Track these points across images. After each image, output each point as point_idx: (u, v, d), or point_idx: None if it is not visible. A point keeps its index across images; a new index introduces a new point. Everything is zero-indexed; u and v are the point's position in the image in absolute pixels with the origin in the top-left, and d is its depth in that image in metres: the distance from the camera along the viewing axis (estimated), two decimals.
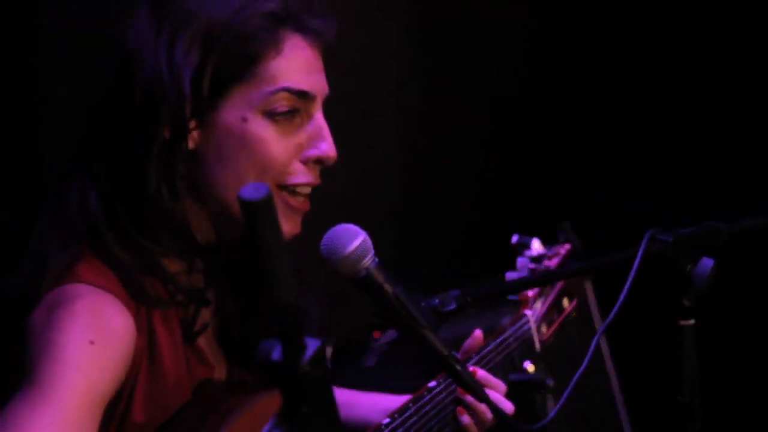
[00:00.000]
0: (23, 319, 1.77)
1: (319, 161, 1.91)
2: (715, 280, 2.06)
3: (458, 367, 1.82)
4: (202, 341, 1.93)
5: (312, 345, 1.13)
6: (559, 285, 2.36)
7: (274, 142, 1.86)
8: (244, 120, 1.85)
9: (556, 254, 2.38)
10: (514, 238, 2.32)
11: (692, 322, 2.08)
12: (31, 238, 1.87)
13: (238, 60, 1.83)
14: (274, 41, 1.85)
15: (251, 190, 1.07)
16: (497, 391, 2.10)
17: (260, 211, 1.08)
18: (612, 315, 2.01)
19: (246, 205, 1.07)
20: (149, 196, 1.82)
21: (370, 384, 3.02)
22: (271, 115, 1.86)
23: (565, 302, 2.42)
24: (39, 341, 1.72)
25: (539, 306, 2.32)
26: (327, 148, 1.91)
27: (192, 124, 1.84)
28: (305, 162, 1.90)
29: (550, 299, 2.35)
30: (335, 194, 3.23)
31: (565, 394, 2.07)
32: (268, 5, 1.86)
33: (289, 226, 1.92)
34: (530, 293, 2.28)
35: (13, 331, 1.77)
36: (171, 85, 1.81)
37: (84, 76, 2.08)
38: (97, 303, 1.77)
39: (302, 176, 1.90)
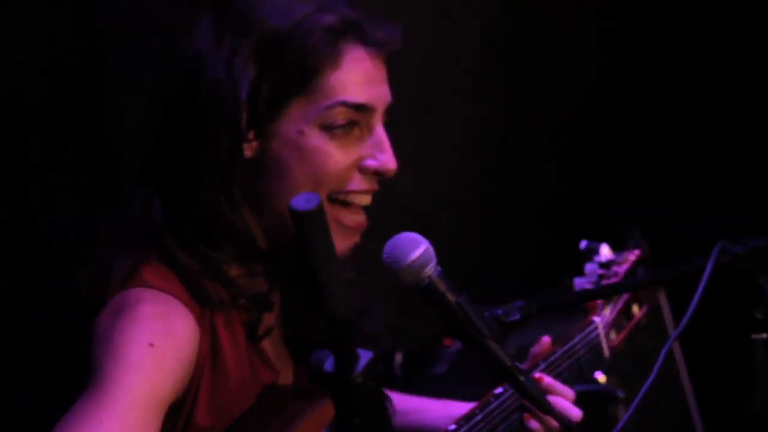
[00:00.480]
0: (90, 323, 1.79)
1: (377, 173, 1.90)
2: None
3: (521, 378, 1.79)
4: (267, 345, 1.93)
5: (364, 356, 1.12)
6: None
7: (331, 154, 1.86)
8: (301, 133, 1.85)
9: (625, 260, 2.35)
10: (583, 244, 2.29)
11: (765, 335, 2.05)
12: (96, 243, 1.89)
13: (297, 74, 1.83)
14: (333, 55, 1.84)
15: (302, 201, 1.07)
16: (565, 398, 2.08)
17: (311, 222, 1.08)
18: (681, 327, 1.98)
19: (296, 215, 1.07)
20: (208, 204, 1.83)
21: (441, 391, 3.01)
22: (328, 128, 1.86)
23: (635, 309, 2.39)
24: (103, 344, 1.75)
25: (608, 312, 2.29)
26: (386, 159, 1.89)
27: (250, 134, 1.85)
28: (363, 172, 1.89)
29: (619, 306, 2.32)
30: (407, 201, 3.25)
31: (634, 404, 2.05)
32: (327, 18, 1.85)
33: (341, 244, 1.88)
34: (599, 300, 2.25)
35: (79, 334, 1.79)
36: (229, 97, 1.82)
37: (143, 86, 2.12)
38: (161, 307, 1.79)
39: (358, 184, 1.89)
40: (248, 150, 1.86)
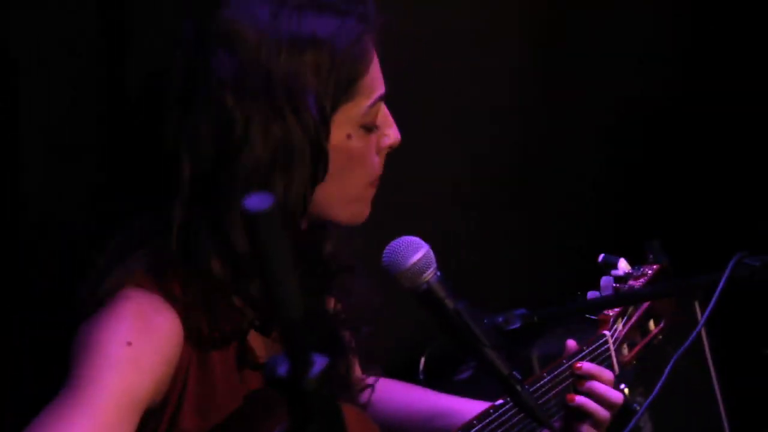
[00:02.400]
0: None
1: (390, 147, 1.91)
2: None
3: (518, 387, 1.76)
4: (256, 346, 1.90)
5: (319, 362, 1.10)
6: (644, 306, 2.27)
7: (368, 147, 1.87)
8: (349, 137, 1.85)
9: (643, 274, 2.29)
10: (601, 257, 2.25)
11: None
12: (105, 252, 1.87)
13: (344, 83, 1.82)
14: (368, 58, 1.84)
15: (256, 201, 1.05)
16: (604, 382, 2.07)
17: (265, 223, 1.05)
18: (690, 339, 1.94)
19: (250, 216, 1.04)
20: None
21: (463, 397, 2.99)
22: (368, 128, 1.86)
23: (651, 325, 2.32)
24: (81, 341, 1.74)
25: (620, 326, 2.23)
26: (395, 133, 1.90)
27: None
28: (379, 152, 1.90)
29: (633, 320, 2.27)
30: (448, 194, 3.23)
31: (636, 417, 2.01)
32: (360, 26, 1.83)
33: (363, 214, 1.93)
34: (610, 312, 2.20)
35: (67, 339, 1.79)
36: (314, 139, 1.81)
37: None
38: (143, 305, 1.77)
39: (379, 168, 1.91)
40: None
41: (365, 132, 1.86)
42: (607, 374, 2.09)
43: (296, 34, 1.80)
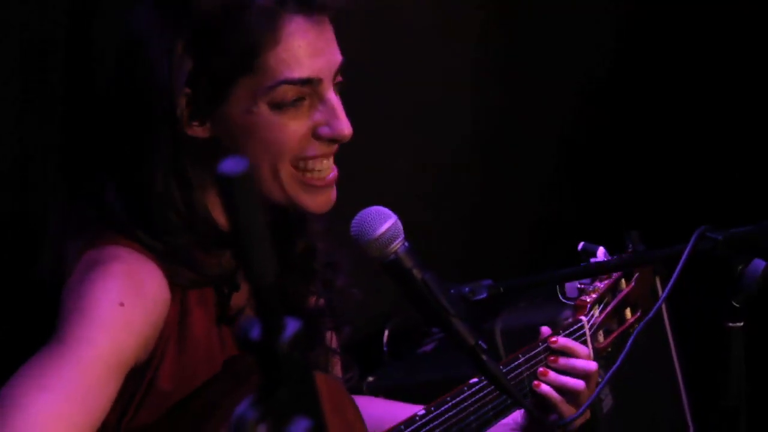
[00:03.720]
0: (59, 288, 1.78)
1: (332, 140, 1.88)
2: (766, 282, 2.00)
3: (483, 357, 1.78)
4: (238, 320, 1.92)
5: (291, 325, 1.10)
6: (621, 294, 2.30)
7: (284, 126, 1.84)
8: (250, 112, 1.83)
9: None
10: (580, 246, 2.27)
11: (741, 324, 2.02)
12: (49, 229, 1.88)
13: (237, 56, 1.81)
14: (271, 32, 1.81)
15: (230, 164, 1.05)
16: (580, 357, 2.10)
17: (238, 186, 1.05)
18: (652, 312, 1.97)
19: (223, 180, 1.05)
20: (158, 192, 1.82)
21: (424, 369, 3.01)
22: (278, 106, 1.84)
23: (628, 313, 2.34)
24: (73, 299, 1.75)
25: (596, 313, 2.26)
26: (340, 125, 1.87)
27: (200, 117, 1.84)
28: (319, 139, 1.88)
29: (610, 308, 2.29)
30: (409, 188, 3.24)
31: (596, 393, 2.03)
32: (271, 4, 1.81)
33: (317, 201, 1.90)
34: (587, 299, 2.22)
35: (49, 306, 1.78)
36: (167, 83, 1.81)
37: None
38: (135, 266, 1.78)
39: (314, 150, 1.87)
40: (203, 132, 1.85)
41: (276, 111, 1.84)
42: (583, 349, 2.11)
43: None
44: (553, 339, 2.10)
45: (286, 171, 1.86)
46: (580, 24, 3.65)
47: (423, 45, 3.28)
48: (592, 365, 2.10)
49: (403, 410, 2.12)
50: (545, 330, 2.15)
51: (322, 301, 2.05)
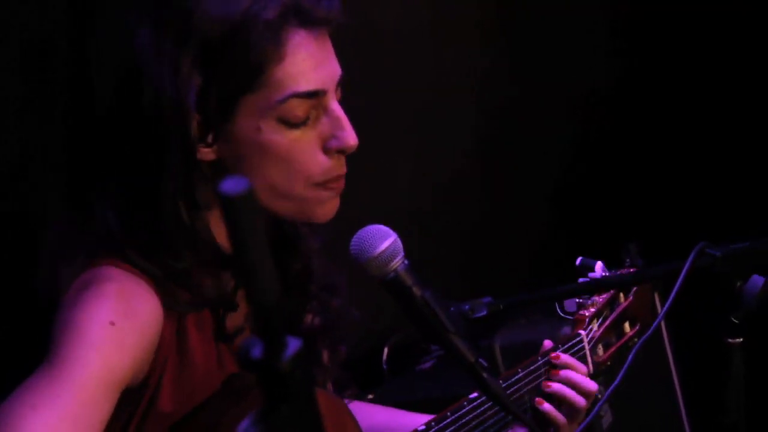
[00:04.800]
0: (53, 307, 1.79)
1: (340, 151, 1.89)
2: (766, 298, 2.00)
3: (484, 375, 1.78)
4: (240, 341, 1.92)
5: (293, 344, 1.11)
6: (619, 308, 2.31)
7: (293, 143, 1.84)
8: (258, 129, 1.83)
9: None
10: (578, 260, 2.27)
11: (740, 340, 2.02)
12: (47, 247, 1.88)
13: (242, 73, 1.81)
14: (275, 48, 1.81)
15: (232, 183, 1.06)
16: (580, 373, 2.11)
17: (241, 206, 1.06)
18: (652, 328, 1.97)
19: (226, 199, 1.05)
20: (166, 213, 1.82)
21: (423, 387, 3.01)
22: (285, 122, 1.84)
23: (627, 327, 2.35)
24: (64, 320, 1.75)
25: (595, 327, 2.26)
26: (347, 136, 1.87)
27: (208, 138, 1.83)
28: (328, 153, 1.88)
29: (608, 321, 2.30)
30: (409, 200, 3.24)
31: (599, 404, 2.04)
32: (265, 10, 1.81)
33: (325, 209, 1.90)
34: (586, 313, 2.23)
35: (43, 324, 1.79)
36: (175, 105, 1.80)
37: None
38: (127, 286, 1.78)
39: (329, 172, 1.88)
40: (210, 153, 1.85)
41: (285, 126, 1.84)
42: (583, 367, 2.12)
43: (185, 16, 1.80)
44: (555, 354, 2.10)
45: (300, 188, 1.86)
46: (581, 36, 3.66)
47: (422, 55, 3.28)
48: (592, 384, 2.11)
49: (407, 418, 2.13)
50: (547, 343, 2.16)
51: (317, 320, 2.05)
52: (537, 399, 2.08)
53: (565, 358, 2.11)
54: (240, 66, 1.81)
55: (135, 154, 1.84)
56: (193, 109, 1.80)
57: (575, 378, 2.10)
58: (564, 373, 2.10)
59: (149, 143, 1.82)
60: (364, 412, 2.18)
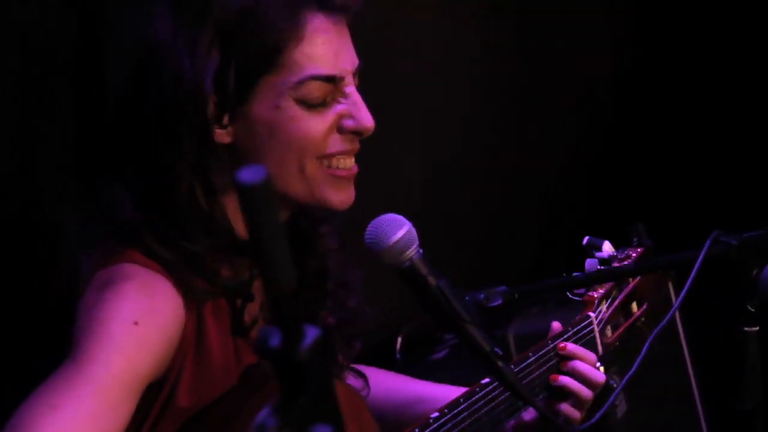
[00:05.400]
0: (75, 304, 1.78)
1: (357, 132, 1.89)
2: None
3: (500, 363, 1.78)
4: (256, 333, 1.91)
5: (311, 333, 1.11)
6: (627, 288, 2.30)
7: (309, 122, 1.84)
8: (277, 108, 1.83)
9: (628, 257, 2.31)
10: (585, 240, 2.27)
11: (756, 328, 2.02)
12: (68, 239, 1.88)
13: (261, 52, 1.81)
14: (294, 28, 1.81)
15: (249, 173, 1.06)
16: (587, 362, 2.09)
17: (258, 195, 1.06)
18: (667, 318, 1.96)
19: (243, 188, 1.05)
20: (182, 197, 1.82)
21: (438, 376, 3.00)
22: (303, 103, 1.84)
23: (634, 307, 2.35)
24: (86, 319, 1.74)
25: (604, 308, 2.26)
26: (363, 117, 1.87)
27: (224, 120, 1.83)
28: (342, 133, 1.88)
29: (617, 302, 2.29)
30: (406, 189, 3.25)
31: (614, 394, 2.03)
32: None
33: (341, 196, 1.89)
34: (595, 294, 2.22)
35: (65, 320, 1.78)
36: (193, 86, 1.80)
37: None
38: (148, 284, 1.77)
39: (340, 145, 1.87)
40: (226, 136, 1.84)
41: (303, 107, 1.84)
42: (590, 355, 2.11)
43: None
44: (562, 345, 2.09)
45: (312, 166, 1.86)
46: (588, 20, 3.65)
47: (426, 46, 3.28)
48: (600, 375, 2.10)
49: (420, 386, 2.19)
50: (556, 325, 2.15)
51: (333, 318, 2.05)
52: (551, 375, 2.07)
53: (572, 347, 2.09)
54: (258, 46, 1.81)
55: (150, 137, 1.83)
56: (210, 90, 1.80)
57: (582, 369, 2.08)
58: (572, 364, 2.09)
59: (165, 125, 1.82)
60: (379, 376, 2.19)
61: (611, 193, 3.68)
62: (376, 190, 2.69)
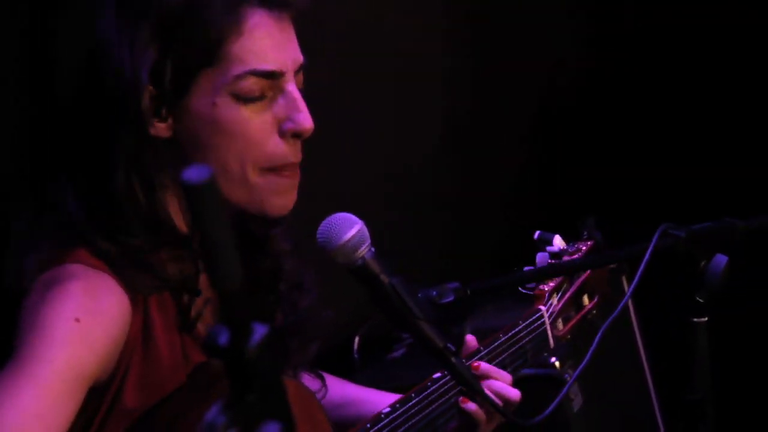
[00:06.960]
0: (19, 303, 1.78)
1: (296, 134, 1.88)
2: (729, 277, 2.02)
3: (453, 360, 1.79)
4: (201, 328, 1.92)
5: (259, 331, 1.11)
6: (578, 281, 2.32)
7: (247, 121, 1.84)
8: (214, 105, 1.83)
9: (578, 250, 2.34)
10: (536, 234, 2.29)
11: (705, 319, 2.04)
12: (12, 237, 1.88)
13: (200, 46, 1.81)
14: (234, 23, 1.82)
15: (194, 172, 1.06)
16: (502, 381, 2.05)
17: (204, 194, 1.07)
18: (618, 309, 1.98)
19: (189, 188, 1.06)
20: (120, 190, 1.82)
21: (395, 375, 3.02)
22: (240, 99, 1.84)
23: (585, 300, 2.37)
24: (29, 319, 1.74)
25: (555, 301, 2.28)
26: (302, 119, 1.86)
27: (162, 112, 1.83)
28: (283, 136, 1.87)
29: (567, 295, 2.31)
30: (379, 183, 3.25)
31: (566, 387, 2.05)
32: None
33: (281, 201, 1.89)
34: (546, 288, 2.24)
35: (10, 321, 1.78)
36: (131, 79, 1.80)
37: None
38: (93, 284, 1.77)
39: (283, 157, 1.87)
40: (165, 130, 1.84)
41: (240, 102, 1.83)
42: (504, 375, 2.06)
43: None
44: (476, 364, 2.04)
45: (254, 175, 1.85)
46: (549, 17, 3.68)
47: (393, 45, 3.29)
48: (514, 393, 2.04)
49: (377, 396, 2.17)
50: (470, 338, 2.09)
51: (288, 320, 2.05)
52: (461, 398, 2.00)
53: (485, 367, 2.05)
54: (197, 39, 1.81)
55: (90, 131, 1.84)
56: (145, 81, 1.81)
57: (497, 387, 2.03)
58: (487, 383, 2.03)
59: (102, 118, 1.82)
60: (337, 385, 2.19)
61: (573, 195, 3.70)
62: (334, 189, 2.70)
